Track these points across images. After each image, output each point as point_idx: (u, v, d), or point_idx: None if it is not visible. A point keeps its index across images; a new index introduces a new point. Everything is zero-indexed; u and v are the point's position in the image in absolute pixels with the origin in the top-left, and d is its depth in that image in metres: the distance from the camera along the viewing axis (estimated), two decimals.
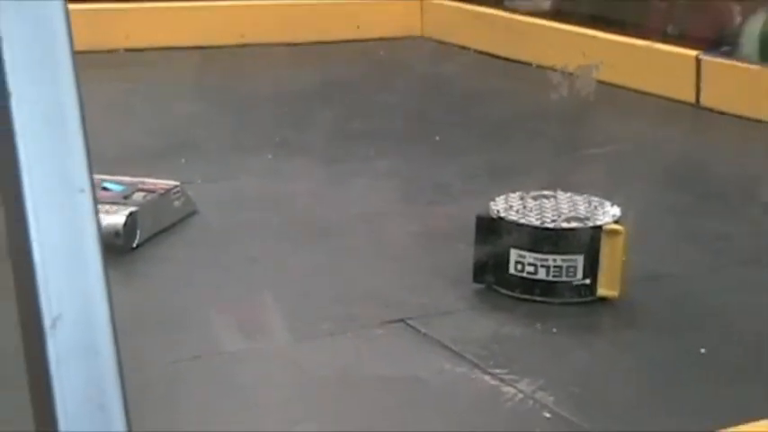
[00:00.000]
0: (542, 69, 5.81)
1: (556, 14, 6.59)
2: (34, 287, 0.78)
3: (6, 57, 0.80)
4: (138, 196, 3.49)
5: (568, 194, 3.26)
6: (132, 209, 3.37)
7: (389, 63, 6.26)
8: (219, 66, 5.94)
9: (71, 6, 0.85)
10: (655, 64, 5.65)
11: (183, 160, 4.16)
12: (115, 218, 3.30)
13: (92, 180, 0.82)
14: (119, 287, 3.05)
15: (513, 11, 6.69)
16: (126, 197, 3.47)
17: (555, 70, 5.73)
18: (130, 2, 6.33)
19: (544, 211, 3.14)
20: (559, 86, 5.59)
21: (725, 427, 2.26)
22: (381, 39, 6.56)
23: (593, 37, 6.02)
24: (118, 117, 4.82)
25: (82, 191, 0.81)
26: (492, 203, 3.16)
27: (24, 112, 0.80)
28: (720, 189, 4.18)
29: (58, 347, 0.78)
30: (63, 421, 0.77)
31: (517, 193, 3.24)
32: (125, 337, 2.58)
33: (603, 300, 3.05)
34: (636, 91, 5.56)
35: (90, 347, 0.79)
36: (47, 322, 0.78)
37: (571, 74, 5.74)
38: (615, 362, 2.82)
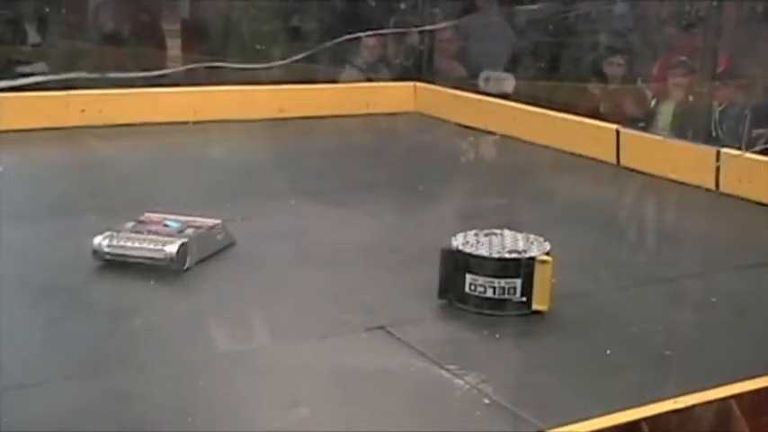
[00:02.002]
0: (505, 137, 5.80)
1: (515, 97, 6.58)
2: None
3: None
4: (190, 231, 3.46)
5: (512, 232, 3.22)
6: (184, 240, 3.34)
7: (389, 132, 6.22)
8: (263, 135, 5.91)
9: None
10: (586, 134, 5.61)
11: (227, 204, 4.11)
12: (171, 247, 3.28)
13: None
14: (175, 297, 3.08)
15: (484, 93, 6.67)
16: (180, 231, 3.44)
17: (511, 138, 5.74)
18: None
19: (493, 245, 3.10)
20: (513, 150, 5.58)
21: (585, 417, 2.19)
22: (384, 114, 6.54)
23: (544, 114, 5.98)
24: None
25: None
26: (453, 239, 3.13)
27: None
28: (629, 229, 4.12)
29: None
30: None
31: (473, 231, 3.21)
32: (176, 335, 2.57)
33: (537, 312, 3.01)
34: (573, 154, 5.51)
35: None
36: None
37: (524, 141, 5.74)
38: (542, 359, 2.77)
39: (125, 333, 2.80)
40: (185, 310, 3.01)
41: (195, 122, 5.92)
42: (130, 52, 6.86)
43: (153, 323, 2.87)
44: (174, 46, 7.20)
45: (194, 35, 7.33)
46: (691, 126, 5.57)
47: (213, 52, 6.84)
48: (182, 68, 6.43)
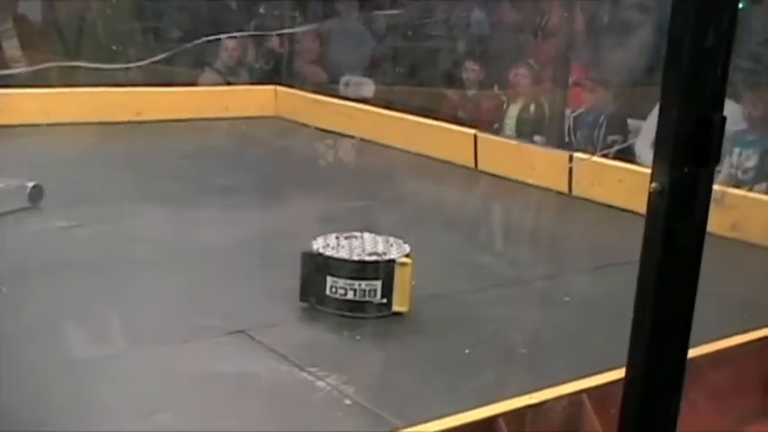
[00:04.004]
0: (364, 142, 5.86)
1: (375, 101, 6.65)
2: None
3: None
4: None
5: (372, 235, 3.26)
6: None
7: (249, 136, 6.19)
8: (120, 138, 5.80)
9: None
10: (444, 138, 5.72)
11: (82, 208, 4.03)
12: None
13: None
14: (24, 302, 2.97)
15: (344, 98, 6.72)
16: None
17: (370, 143, 5.80)
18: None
19: (353, 248, 3.14)
20: (372, 155, 5.64)
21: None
22: (244, 117, 6.51)
23: (403, 118, 6.07)
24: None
25: None
26: (314, 241, 3.15)
27: None
28: (487, 231, 4.22)
29: None
30: None
31: (333, 234, 3.23)
32: (28, 343, 2.47)
33: (397, 314, 3.06)
34: (432, 158, 5.61)
35: None
36: None
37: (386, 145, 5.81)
38: (403, 360, 2.82)
39: None
40: (36, 317, 2.93)
41: (48, 125, 5.75)
42: None
43: (6, 329, 2.79)
44: (11, 46, 6.93)
45: (44, 35, 7.11)
46: (536, 128, 5.76)
47: (66, 53, 6.66)
48: (34, 68, 6.21)
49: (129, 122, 6.05)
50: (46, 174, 4.39)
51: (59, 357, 2.61)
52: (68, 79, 6.17)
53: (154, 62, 5.71)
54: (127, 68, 6.02)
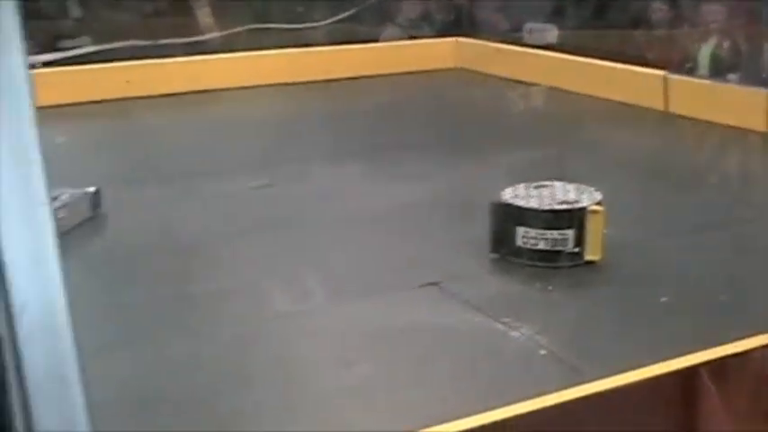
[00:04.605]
0: (549, 89, 5.76)
1: (558, 47, 6.52)
2: (5, 281, 0.76)
3: None
4: None
5: (562, 183, 3.21)
6: None
7: (433, 89, 6.21)
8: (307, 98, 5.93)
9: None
10: (632, 81, 5.55)
11: (273, 168, 4.15)
12: None
13: (49, 195, 0.80)
14: (229, 262, 3.10)
15: (527, 45, 6.62)
16: None
17: (555, 89, 5.69)
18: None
19: (543, 197, 3.10)
20: (558, 101, 5.53)
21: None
22: (427, 71, 6.53)
23: (588, 63, 5.92)
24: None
25: (42, 204, 0.78)
26: (502, 192, 3.13)
27: None
28: (680, 175, 4.09)
29: (25, 330, 0.75)
30: (31, 390, 0.74)
31: (523, 184, 3.20)
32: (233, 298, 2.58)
33: (590, 263, 3.00)
34: (620, 103, 5.46)
35: (51, 329, 0.76)
36: (16, 310, 0.75)
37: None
38: (597, 309, 2.77)
39: (184, 297, 2.85)
40: (236, 274, 3.05)
41: (239, 88, 5.95)
42: (169, 23, 6.89)
43: (210, 287, 2.92)
44: (204, 14, 7.19)
45: (234, 1, 7.32)
46: (731, 66, 5.49)
47: (255, 17, 6.84)
48: (226, 33, 6.44)
49: (315, 82, 6.17)
50: (238, 136, 4.56)
51: (261, 312, 2.71)
52: (256, 43, 6.36)
53: (339, 20, 5.81)
54: (314, 28, 6.14)
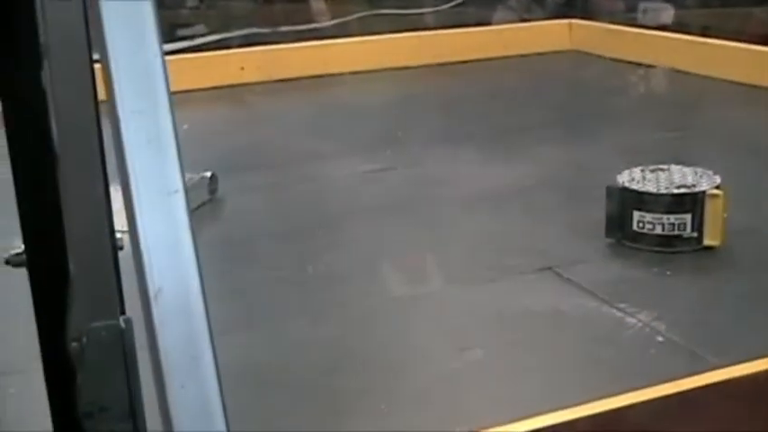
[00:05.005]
0: (666, 70, 5.63)
1: (674, 28, 6.36)
2: (141, 267, 0.78)
3: (117, 95, 0.81)
4: None
5: (680, 167, 3.14)
6: None
7: (546, 71, 6.13)
8: (421, 82, 5.93)
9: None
10: (755, 61, 5.37)
11: (388, 152, 4.17)
12: None
13: (184, 182, 0.82)
14: (345, 244, 3.14)
15: (642, 26, 6.48)
16: None
17: (672, 70, 5.56)
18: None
19: (660, 181, 3.04)
20: (675, 83, 5.40)
21: None
22: (540, 53, 6.46)
23: (706, 43, 5.76)
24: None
25: (176, 192, 0.80)
26: (618, 176, 3.08)
27: (131, 134, 0.81)
28: None
29: (160, 313, 0.77)
30: (166, 370, 0.77)
31: (639, 167, 3.15)
32: (351, 280, 2.63)
33: (709, 248, 2.93)
34: (740, 83, 5.30)
35: (185, 312, 0.78)
36: (151, 294, 0.77)
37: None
38: (716, 296, 2.71)
39: (302, 281, 2.89)
40: (350, 258, 3.08)
41: (352, 73, 5.99)
42: (282, 10, 6.98)
43: (327, 270, 2.95)
44: (319, 1, 7.27)
45: None
46: None
47: (367, 2, 6.88)
48: (341, 20, 6.50)
49: (429, 66, 6.16)
50: (352, 120, 4.59)
51: (377, 296, 2.74)
52: (370, 29, 6.39)
53: (453, 6, 5.79)
54: (427, 13, 6.14)
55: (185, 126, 3.93)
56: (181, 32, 6.57)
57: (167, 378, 0.76)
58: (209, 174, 3.66)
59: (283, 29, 6.30)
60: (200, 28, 6.72)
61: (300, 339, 2.51)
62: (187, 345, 0.77)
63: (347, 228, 3.33)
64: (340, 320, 2.61)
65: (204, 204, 3.57)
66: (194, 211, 3.35)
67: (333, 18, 6.63)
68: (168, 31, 6.40)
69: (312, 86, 5.79)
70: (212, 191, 3.66)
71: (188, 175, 2.99)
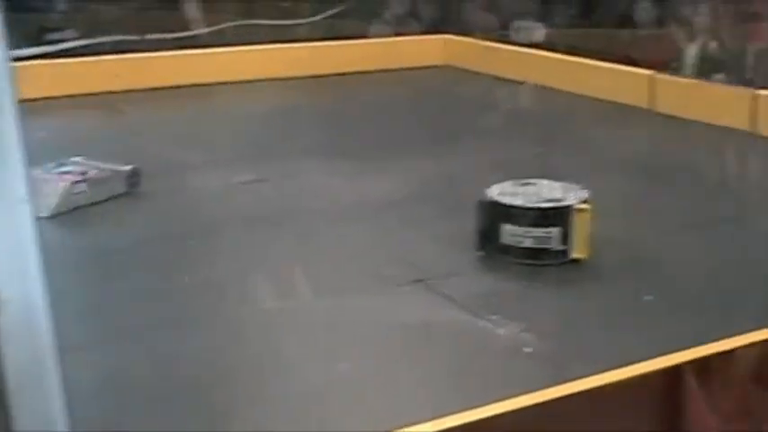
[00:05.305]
0: (536, 87, 5.77)
1: (546, 46, 6.52)
2: None
3: None
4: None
5: (548, 181, 3.21)
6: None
7: (421, 86, 6.19)
8: (296, 94, 5.91)
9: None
10: (619, 81, 5.55)
11: (262, 163, 4.14)
12: None
13: (30, 193, 0.79)
14: (211, 255, 3.08)
15: (515, 43, 6.62)
16: None
17: (543, 88, 5.69)
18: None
19: (529, 195, 3.09)
20: (545, 100, 5.54)
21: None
22: (415, 68, 6.52)
23: (574, 62, 5.92)
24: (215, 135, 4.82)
25: (22, 201, 0.77)
26: (488, 190, 3.12)
27: None
28: (666, 174, 4.10)
29: (3, 327, 0.74)
30: (9, 389, 0.73)
31: (509, 182, 3.20)
32: (219, 293, 2.58)
33: (576, 261, 3.00)
34: (606, 101, 5.47)
35: (31, 327, 0.75)
36: None
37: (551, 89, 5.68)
38: (583, 307, 2.76)
39: (170, 291, 2.83)
40: (222, 269, 3.03)
41: (229, 83, 5.93)
42: (155, 17, 6.86)
43: (198, 281, 2.90)
44: (191, 8, 7.15)
45: None
46: (718, 66, 5.50)
47: (243, 12, 6.82)
48: (213, 29, 6.41)
49: (303, 78, 6.15)
50: (227, 131, 4.53)
51: (246, 307, 2.70)
52: (244, 39, 6.34)
53: (329, 16, 5.78)
54: (301, 24, 6.12)
55: (42, 134, 3.84)
56: (49, 36, 6.39)
57: (11, 398, 0.72)
58: (127, 167, 3.76)
59: (155, 36, 6.18)
60: (69, 33, 6.54)
61: (168, 352, 2.45)
62: (32, 362, 0.73)
63: (220, 239, 3.28)
64: (209, 333, 2.56)
65: (119, 196, 3.69)
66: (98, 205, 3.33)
67: (207, 27, 6.54)
68: (36, 35, 6.22)
69: (188, 95, 5.70)
70: (132, 184, 3.75)
71: (103, 166, 3.08)
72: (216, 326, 2.60)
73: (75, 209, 3.54)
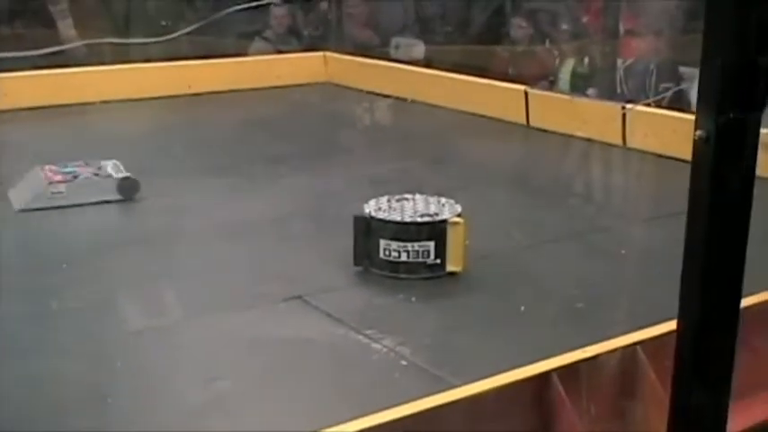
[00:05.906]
0: (416, 103, 5.84)
1: (425, 63, 6.62)
2: None
3: None
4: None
5: (423, 196, 3.25)
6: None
7: (300, 103, 6.19)
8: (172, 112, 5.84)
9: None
10: (495, 96, 5.66)
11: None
12: None
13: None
14: (84, 277, 3.01)
15: (395, 60, 6.69)
16: None
17: (422, 104, 5.76)
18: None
19: (405, 210, 3.13)
20: (424, 115, 5.61)
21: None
22: (295, 85, 6.52)
23: (453, 78, 6.01)
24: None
25: None
26: (365, 205, 3.15)
27: None
28: (540, 187, 4.20)
29: None
30: None
31: (385, 197, 3.23)
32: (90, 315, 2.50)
33: (452, 274, 3.05)
34: (484, 116, 5.56)
35: None
36: None
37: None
38: (458, 319, 2.81)
39: (40, 315, 2.76)
40: (96, 290, 2.97)
41: (102, 102, 5.82)
42: (22, 34, 6.71)
43: (65, 306, 2.84)
44: (66, 26, 7.01)
45: (89, 14, 7.17)
46: (590, 82, 5.68)
47: (117, 30, 6.72)
48: (78, 44, 6.30)
49: (181, 96, 6.09)
50: (102, 150, 4.44)
51: (120, 329, 2.65)
52: (122, 56, 6.24)
53: (189, 32, 5.72)
54: (174, 40, 6.06)
55: None
56: None
57: None
58: (120, 175, 3.86)
59: (25, 54, 6.03)
60: None
61: (34, 375, 2.39)
62: None
63: (94, 261, 3.22)
64: (81, 356, 2.50)
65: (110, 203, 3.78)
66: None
67: (81, 44, 6.42)
68: None
69: (62, 115, 5.58)
70: (125, 192, 3.82)
71: (106, 173, 3.61)
72: (85, 350, 2.55)
73: (57, 208, 3.69)
